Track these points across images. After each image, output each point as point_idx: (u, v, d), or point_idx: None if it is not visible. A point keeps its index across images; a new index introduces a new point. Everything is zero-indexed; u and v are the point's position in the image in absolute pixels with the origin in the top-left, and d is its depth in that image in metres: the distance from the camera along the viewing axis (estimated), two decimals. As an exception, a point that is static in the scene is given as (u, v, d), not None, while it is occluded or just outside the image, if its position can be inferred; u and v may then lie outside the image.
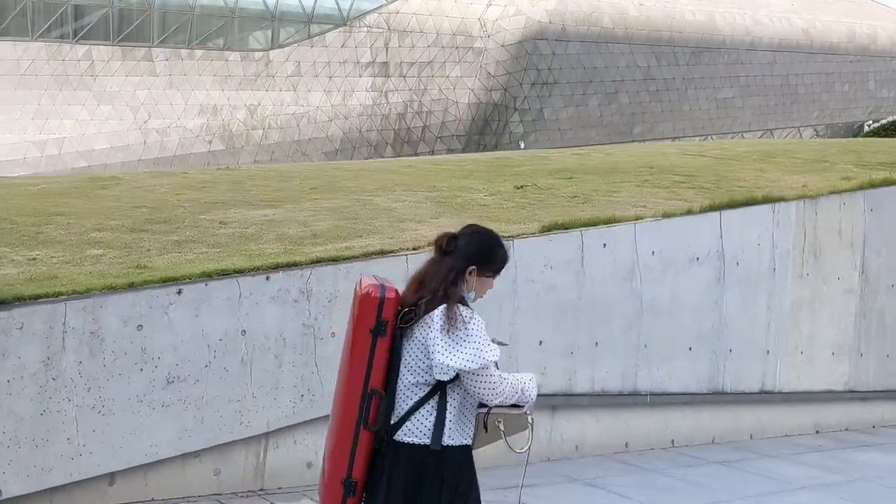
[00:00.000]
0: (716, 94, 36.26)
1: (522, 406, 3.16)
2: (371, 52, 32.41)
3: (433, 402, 3.11)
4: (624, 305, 6.94)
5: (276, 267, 5.26)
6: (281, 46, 32.01)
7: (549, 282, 6.44)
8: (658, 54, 34.47)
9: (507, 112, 33.20)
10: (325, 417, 3.42)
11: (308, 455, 5.44)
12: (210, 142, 31.29)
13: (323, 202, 7.61)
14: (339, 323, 5.05)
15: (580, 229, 6.64)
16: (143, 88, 31.03)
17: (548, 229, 6.58)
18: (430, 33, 32.48)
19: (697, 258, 7.45)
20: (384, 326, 3.09)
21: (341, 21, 32.22)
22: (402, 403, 3.13)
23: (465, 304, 3.15)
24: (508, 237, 6.12)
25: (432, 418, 3.10)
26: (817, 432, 8.83)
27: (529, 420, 3.16)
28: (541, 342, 6.41)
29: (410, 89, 32.83)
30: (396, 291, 3.14)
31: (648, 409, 7.23)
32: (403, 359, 3.13)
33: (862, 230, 9.04)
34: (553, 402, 6.54)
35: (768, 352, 8.10)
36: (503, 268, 3.29)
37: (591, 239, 6.69)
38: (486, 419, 3.13)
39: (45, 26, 30.52)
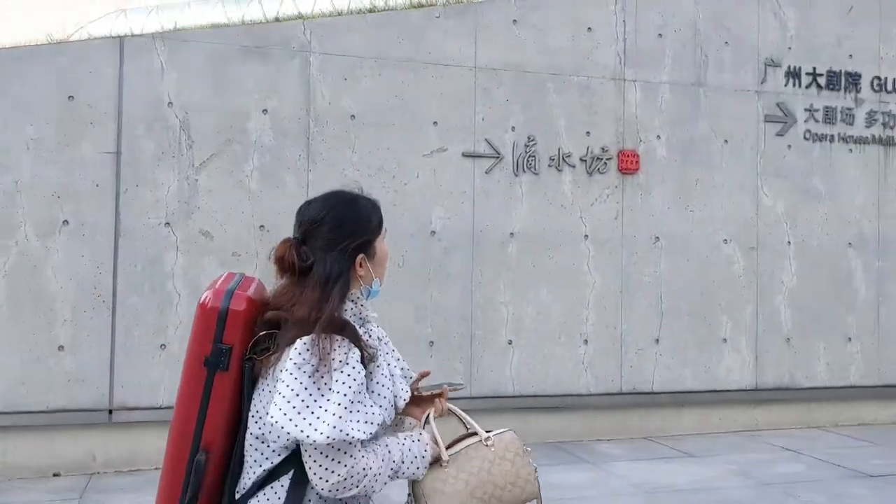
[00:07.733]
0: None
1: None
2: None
3: (290, 474, 1.93)
4: None
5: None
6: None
7: None
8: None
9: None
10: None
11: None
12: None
13: None
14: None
15: None
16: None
17: None
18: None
19: None
20: (225, 356, 1.91)
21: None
22: (249, 470, 1.97)
23: (350, 330, 1.93)
24: None
25: (284, 496, 1.92)
26: None
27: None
28: None
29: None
30: (250, 299, 1.95)
31: None
32: (253, 404, 1.97)
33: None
34: None
35: None
36: (382, 220, 2.11)
37: None
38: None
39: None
